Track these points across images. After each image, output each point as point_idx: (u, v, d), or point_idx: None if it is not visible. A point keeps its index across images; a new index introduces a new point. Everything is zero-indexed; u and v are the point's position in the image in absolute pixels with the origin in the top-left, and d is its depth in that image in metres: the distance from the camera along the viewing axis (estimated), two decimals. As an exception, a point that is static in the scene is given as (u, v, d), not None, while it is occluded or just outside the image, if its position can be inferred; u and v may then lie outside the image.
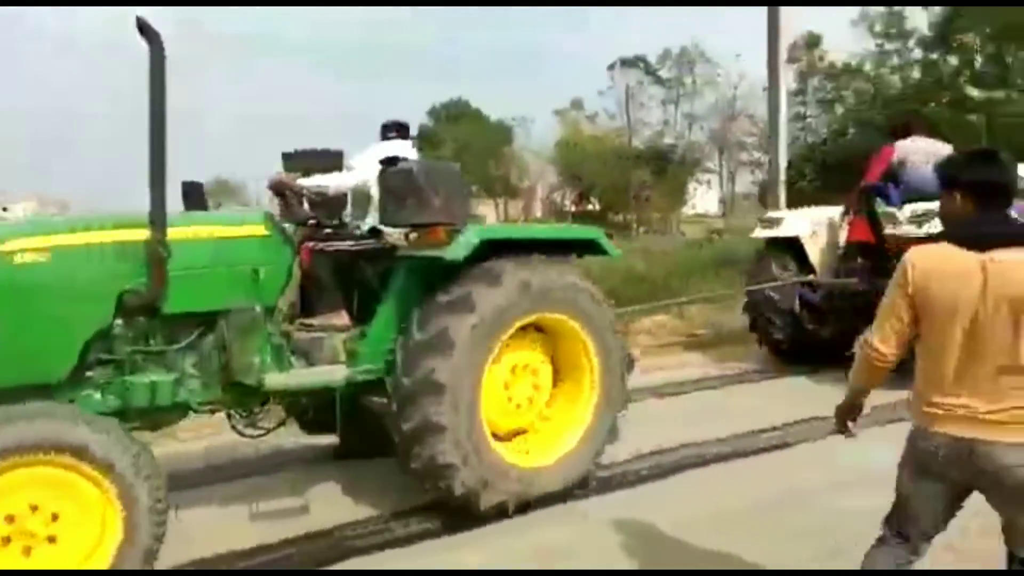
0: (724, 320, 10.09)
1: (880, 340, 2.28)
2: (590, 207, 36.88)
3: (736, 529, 3.78)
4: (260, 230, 3.87)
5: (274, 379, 3.80)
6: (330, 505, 4.31)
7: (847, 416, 2.52)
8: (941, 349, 2.18)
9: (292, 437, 4.85)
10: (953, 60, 22.19)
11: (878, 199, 6.97)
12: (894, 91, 25.32)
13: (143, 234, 3.45)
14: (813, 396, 6.19)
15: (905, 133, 7.09)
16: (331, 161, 4.68)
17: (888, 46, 26.46)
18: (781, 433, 5.43)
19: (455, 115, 42.97)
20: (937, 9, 22.40)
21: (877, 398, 2.58)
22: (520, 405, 4.28)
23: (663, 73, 38.88)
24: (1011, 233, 2.16)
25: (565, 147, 37.89)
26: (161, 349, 3.66)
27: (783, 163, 10.69)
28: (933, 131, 7.51)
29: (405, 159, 4.38)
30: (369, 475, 4.69)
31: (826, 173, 24.09)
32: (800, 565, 3.32)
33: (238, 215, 4.23)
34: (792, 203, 10.86)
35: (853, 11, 28.58)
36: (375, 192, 4.40)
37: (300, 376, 3.95)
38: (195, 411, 3.83)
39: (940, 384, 2.20)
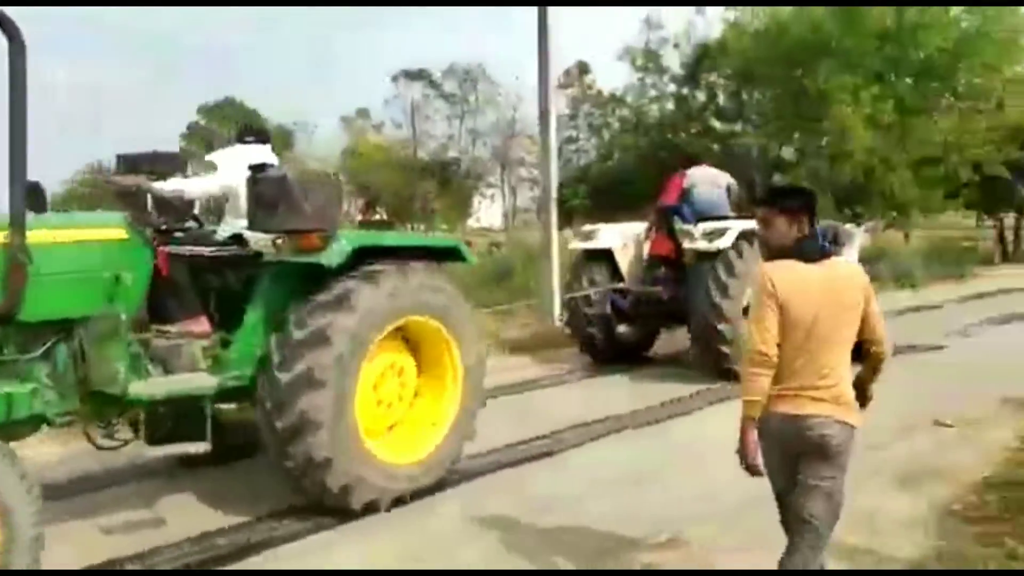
0: (507, 329, 10.60)
1: (762, 343, 2.61)
2: (377, 216, 36.93)
3: (594, 506, 4.31)
4: (120, 234, 3.78)
5: (137, 388, 3.70)
6: (192, 513, 4.25)
7: (750, 448, 2.68)
8: (787, 347, 2.62)
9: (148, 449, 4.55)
10: (701, 96, 25.14)
11: (676, 217, 7.91)
12: (652, 120, 28.12)
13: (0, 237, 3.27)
14: (634, 390, 7.31)
15: (693, 162, 8.47)
16: (171, 164, 4.55)
17: (647, 80, 29.27)
18: (615, 422, 6.15)
19: (227, 115, 40.85)
20: (688, 50, 25.22)
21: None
22: (390, 404, 4.43)
23: (447, 88, 40.02)
24: (827, 251, 2.74)
25: (352, 155, 37.66)
26: (15, 358, 3.46)
27: (555, 183, 11.53)
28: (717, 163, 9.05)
29: (272, 165, 4.38)
30: (228, 482, 4.68)
31: (596, 193, 26.27)
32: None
33: (96, 217, 4.09)
34: (565, 221, 11.89)
35: (619, 45, 31.38)
36: (242, 196, 4.28)
37: (165, 384, 3.86)
38: (50, 424, 3.67)
39: (784, 376, 2.64)
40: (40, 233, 3.40)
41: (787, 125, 21.64)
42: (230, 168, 4.44)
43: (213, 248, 4.35)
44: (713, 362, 7.47)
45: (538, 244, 15.25)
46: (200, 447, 4.02)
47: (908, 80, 21.53)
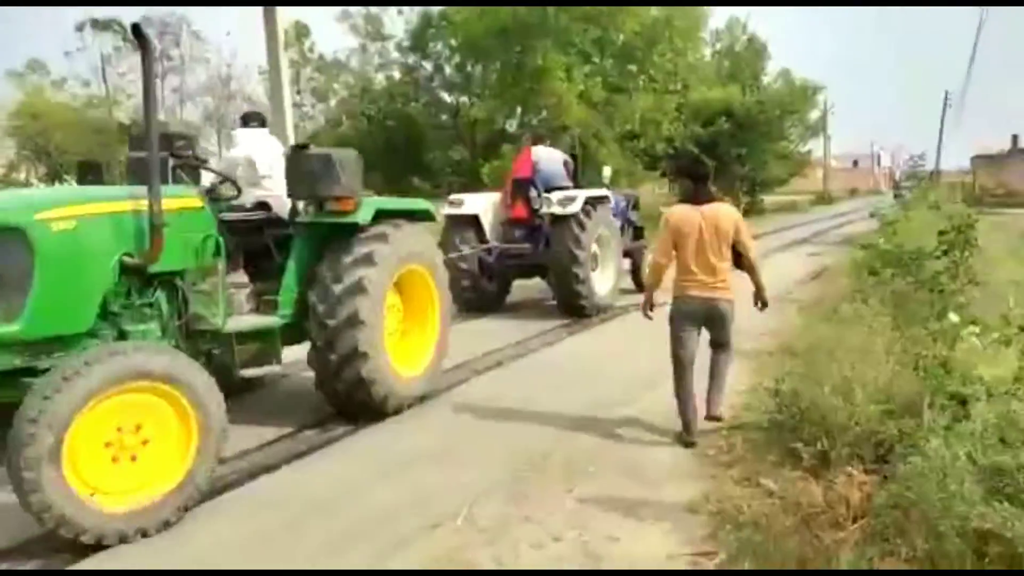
0: None
1: (660, 255, 4.88)
2: (66, 184, 32.13)
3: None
4: (199, 203, 4.70)
5: (230, 324, 4.75)
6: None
7: (647, 307, 5.10)
8: (685, 256, 4.74)
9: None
10: (428, 66, 25.26)
11: (531, 187, 9.73)
12: (379, 88, 27.75)
13: (142, 205, 4.15)
14: (507, 328, 9.00)
15: (536, 142, 10.42)
16: (186, 143, 5.27)
17: (370, 46, 28.73)
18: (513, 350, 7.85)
19: None
20: (413, 18, 25.14)
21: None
22: (392, 334, 5.68)
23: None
24: (711, 198, 4.83)
25: (28, 116, 32.23)
26: (141, 303, 4.37)
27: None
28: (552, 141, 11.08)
29: (309, 144, 5.63)
30: (251, 409, 5.68)
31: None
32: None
33: (183, 190, 4.77)
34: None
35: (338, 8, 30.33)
36: (259, 168, 5.59)
37: (246, 321, 4.96)
38: None
39: (686, 273, 4.77)
40: (126, 204, 4.25)
41: (510, 99, 22.58)
42: (247, 145, 5.72)
43: (245, 212, 5.36)
44: (571, 302, 9.40)
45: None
46: (276, 368, 5.13)
47: (611, 61, 23.59)
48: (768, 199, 34.52)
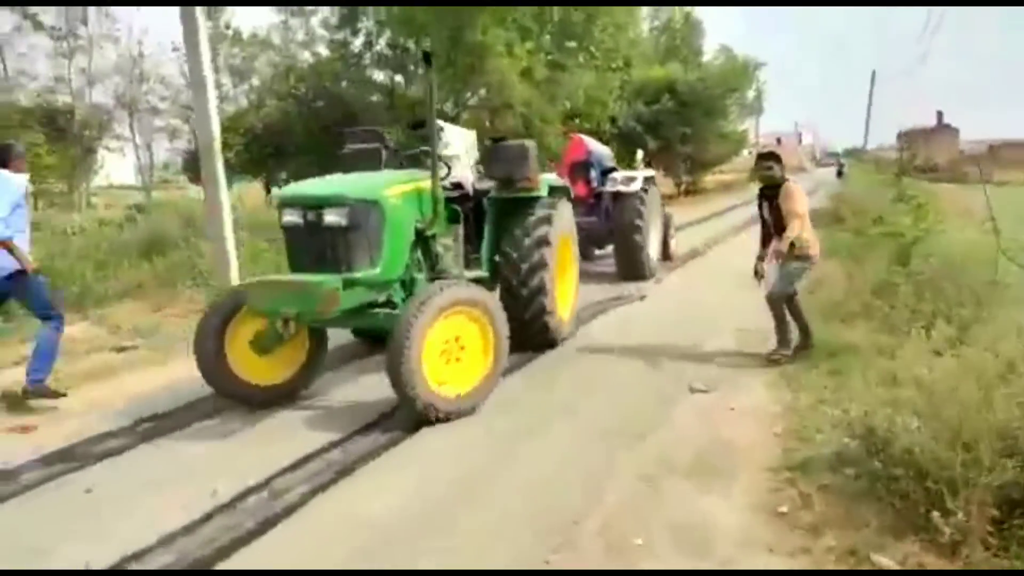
0: (168, 325, 8.35)
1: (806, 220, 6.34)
2: None
3: None
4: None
5: (466, 273, 6.46)
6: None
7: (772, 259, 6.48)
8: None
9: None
10: (358, 42, 23.61)
11: (590, 168, 11.24)
12: (305, 66, 25.91)
13: (424, 184, 5.81)
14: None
15: (570, 131, 11.84)
16: (378, 138, 6.88)
17: (293, 21, 26.77)
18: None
19: None
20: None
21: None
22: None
23: (46, 20, 32.76)
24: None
25: (-89, 99, 29.08)
26: (419, 256, 6.08)
27: (216, 129, 9.33)
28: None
29: (505, 137, 7.69)
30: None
31: (253, 144, 23.52)
32: None
33: (422, 173, 5.98)
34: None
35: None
36: (456, 153, 6.84)
37: (473, 272, 6.60)
38: None
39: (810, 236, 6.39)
40: (421, 183, 5.86)
41: (449, 77, 21.26)
42: (445, 136, 6.81)
43: (449, 190, 6.46)
44: (634, 267, 10.64)
45: (192, 207, 12.89)
46: None
47: (549, 36, 22.51)
48: (707, 179, 34.17)
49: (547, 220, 6.82)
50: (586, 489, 4.00)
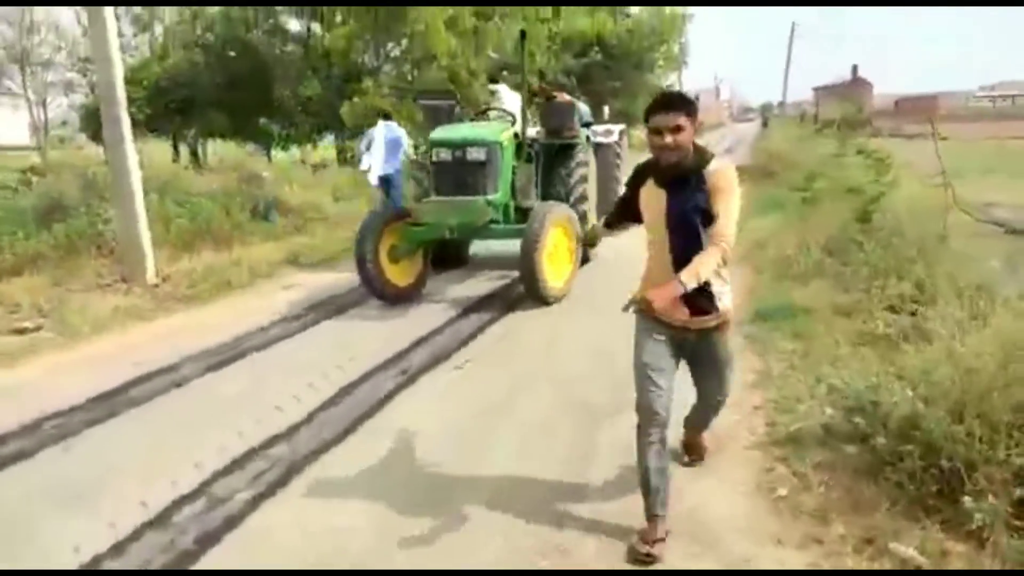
0: (73, 301, 7.47)
1: None
2: None
3: None
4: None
5: (528, 203, 7.99)
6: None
7: None
8: None
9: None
10: (270, -12, 22.16)
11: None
12: (215, 14, 24.26)
13: (513, 131, 7.97)
14: None
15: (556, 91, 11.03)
16: (450, 97, 9.10)
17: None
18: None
19: None
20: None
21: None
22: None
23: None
24: None
25: None
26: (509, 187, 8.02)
27: (120, 82, 8.34)
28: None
29: (555, 96, 9.02)
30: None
31: (156, 97, 21.89)
32: None
33: (505, 123, 8.24)
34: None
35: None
36: (511, 109, 8.54)
37: (529, 201, 8.12)
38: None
39: None
40: (514, 131, 8.00)
41: (369, 26, 20.20)
42: (499, 97, 9.19)
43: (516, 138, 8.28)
44: (611, 206, 10.86)
45: (94, 169, 11.81)
46: None
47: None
48: (636, 135, 34.02)
49: (586, 163, 8.61)
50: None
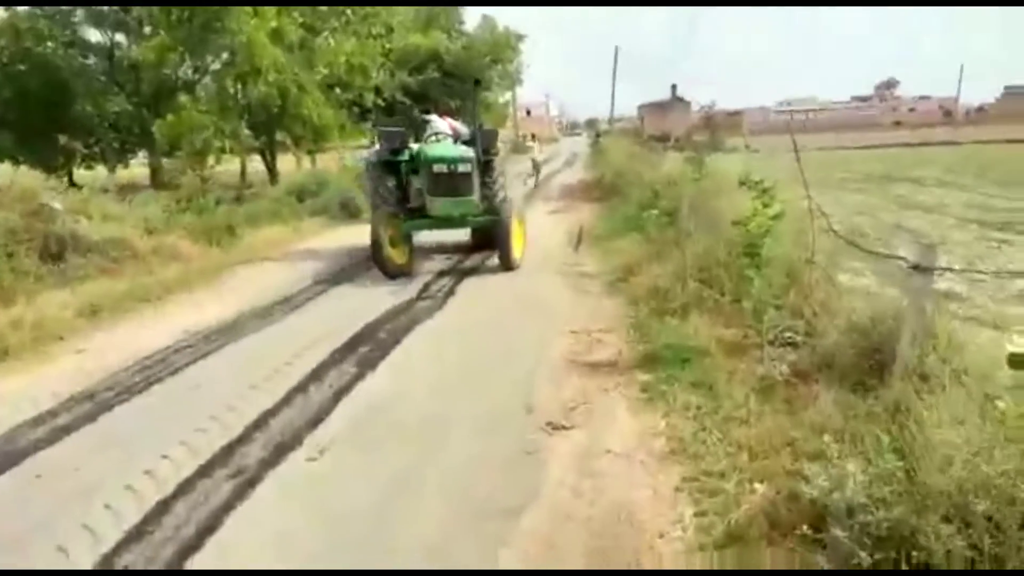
0: None
1: None
2: None
3: None
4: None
5: (501, 205, 10.60)
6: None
7: None
8: None
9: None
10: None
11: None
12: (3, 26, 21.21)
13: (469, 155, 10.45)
14: None
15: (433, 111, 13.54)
16: (400, 126, 11.77)
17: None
18: None
19: None
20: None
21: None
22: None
23: None
24: None
25: None
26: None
27: None
28: None
29: (482, 124, 11.88)
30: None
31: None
32: None
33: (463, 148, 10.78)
34: None
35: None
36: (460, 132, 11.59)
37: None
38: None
39: None
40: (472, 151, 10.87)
41: (183, 37, 18.28)
42: (441, 124, 11.50)
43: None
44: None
45: None
46: None
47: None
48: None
49: (503, 172, 11.21)
50: None
